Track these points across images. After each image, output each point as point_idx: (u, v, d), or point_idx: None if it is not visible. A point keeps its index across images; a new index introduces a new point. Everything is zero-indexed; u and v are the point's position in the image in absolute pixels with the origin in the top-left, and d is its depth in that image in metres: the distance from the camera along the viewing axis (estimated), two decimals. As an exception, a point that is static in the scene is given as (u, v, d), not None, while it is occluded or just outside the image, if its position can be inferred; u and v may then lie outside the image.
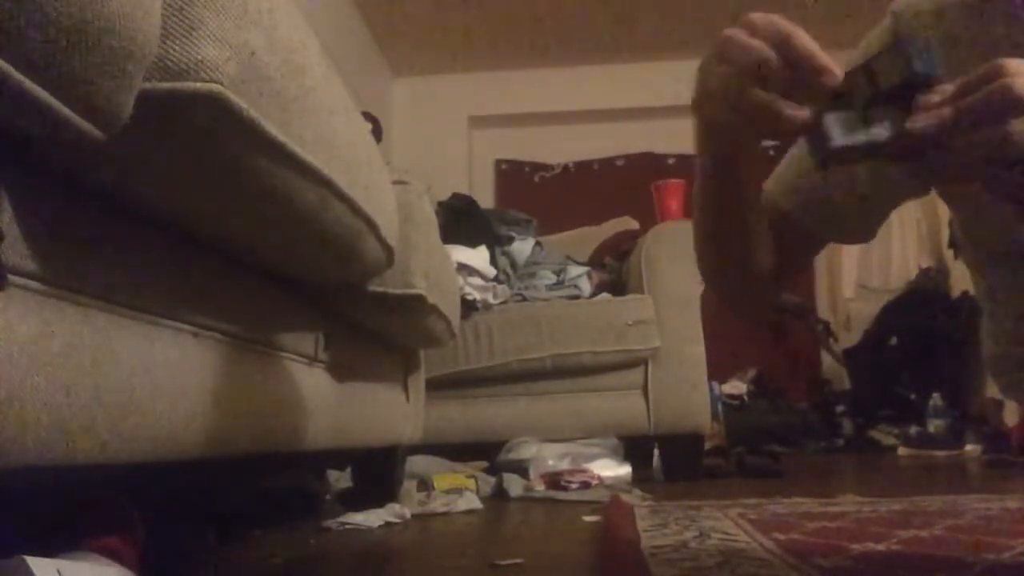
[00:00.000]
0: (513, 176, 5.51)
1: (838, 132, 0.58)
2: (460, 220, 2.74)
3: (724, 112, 0.62)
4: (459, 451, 2.38)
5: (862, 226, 0.91)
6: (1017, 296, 0.89)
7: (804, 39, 0.60)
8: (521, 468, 2.26)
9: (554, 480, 2.17)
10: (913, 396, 4.18)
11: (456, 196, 2.97)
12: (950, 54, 0.81)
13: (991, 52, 0.80)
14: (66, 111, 0.47)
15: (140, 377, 0.68)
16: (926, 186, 0.87)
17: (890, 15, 0.88)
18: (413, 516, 1.68)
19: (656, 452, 2.67)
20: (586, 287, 2.77)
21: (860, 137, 0.58)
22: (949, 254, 4.39)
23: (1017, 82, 0.55)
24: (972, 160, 0.57)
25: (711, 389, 2.86)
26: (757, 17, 0.61)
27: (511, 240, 2.83)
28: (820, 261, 5.30)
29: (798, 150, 0.90)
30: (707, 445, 2.80)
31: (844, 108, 0.58)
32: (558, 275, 2.78)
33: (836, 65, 0.59)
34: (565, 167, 5.45)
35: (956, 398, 3.87)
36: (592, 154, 5.37)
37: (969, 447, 3.62)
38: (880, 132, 0.58)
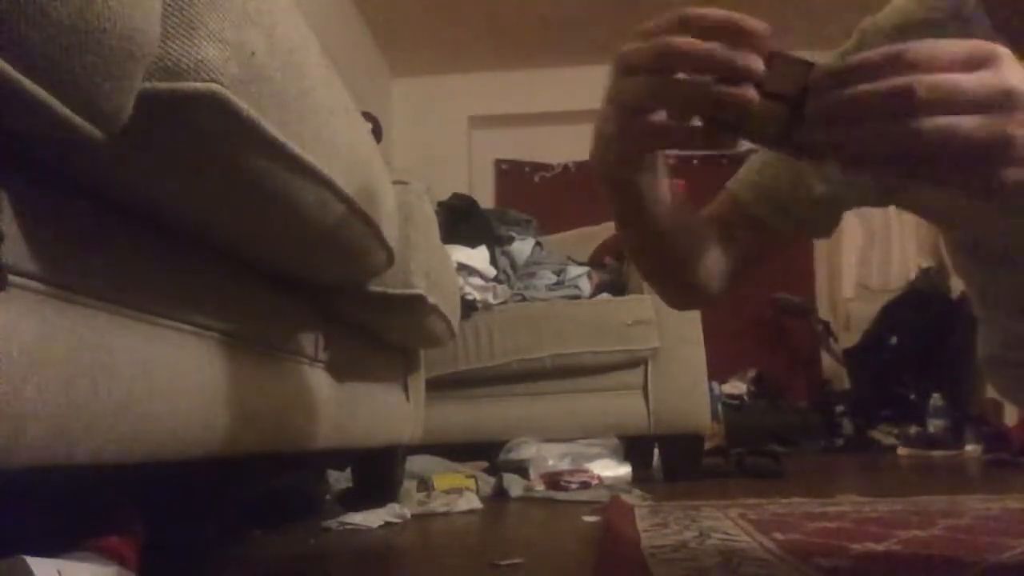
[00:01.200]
0: (513, 176, 5.51)
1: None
2: (460, 220, 2.75)
3: (640, 91, 0.58)
4: (459, 451, 2.38)
5: (819, 224, 0.91)
6: (1007, 298, 0.89)
7: (716, 12, 0.55)
8: (521, 468, 2.26)
9: (554, 480, 2.16)
10: (913, 396, 4.18)
11: (456, 196, 2.98)
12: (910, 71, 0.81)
13: None
14: (66, 111, 0.47)
15: (140, 377, 0.68)
16: (881, 198, 0.87)
17: (857, 32, 0.88)
18: (413, 516, 1.68)
19: (656, 452, 2.67)
20: (586, 287, 2.77)
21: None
22: (949, 254, 4.39)
23: (921, 84, 0.50)
24: (879, 157, 0.53)
25: (711, 389, 2.86)
26: (653, 23, 0.58)
27: (511, 240, 2.83)
28: (820, 261, 5.31)
29: (761, 155, 0.91)
30: (707, 445, 2.80)
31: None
32: (558, 275, 2.78)
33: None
34: (565, 167, 5.45)
35: (956, 398, 3.87)
36: (592, 154, 5.37)
37: (969, 447, 3.63)
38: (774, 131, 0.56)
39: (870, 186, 0.85)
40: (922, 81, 0.50)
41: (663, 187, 0.76)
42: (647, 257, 0.87)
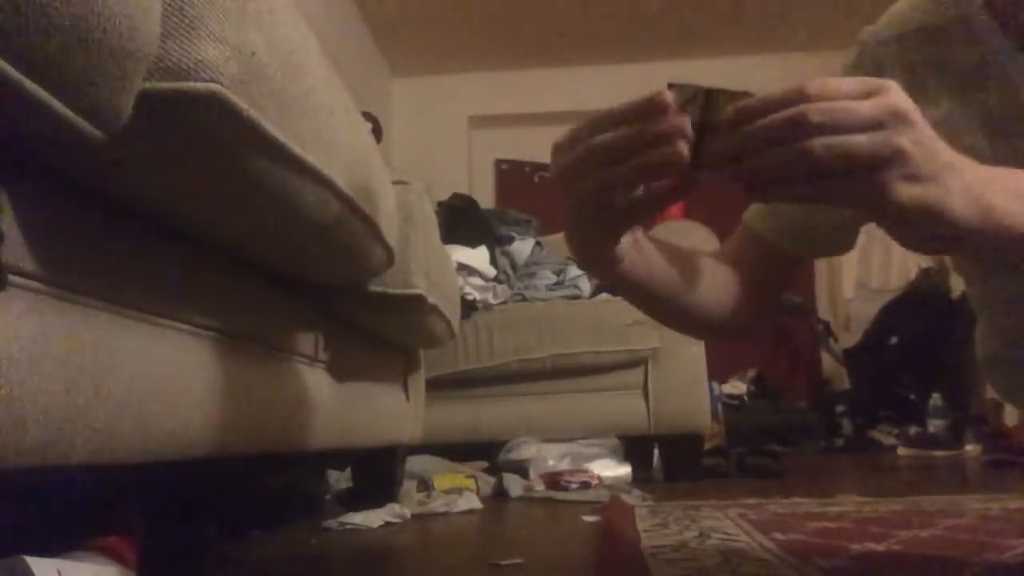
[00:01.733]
0: (513, 176, 5.51)
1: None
2: (460, 220, 2.75)
3: (586, 192, 0.61)
4: (459, 451, 2.38)
5: (839, 243, 0.93)
6: (1007, 299, 0.89)
7: (617, 108, 0.59)
8: (521, 468, 2.26)
9: (554, 480, 2.17)
10: (913, 396, 4.18)
11: (456, 196, 2.98)
12: (910, 78, 0.81)
13: (950, 75, 0.81)
14: (66, 111, 0.47)
15: (140, 377, 0.68)
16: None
17: (856, 46, 0.88)
18: (413, 516, 1.68)
19: (656, 452, 2.67)
20: (586, 287, 2.77)
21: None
22: (949, 254, 4.39)
23: (812, 109, 0.53)
24: (778, 182, 0.56)
25: (711, 389, 2.86)
26: (567, 136, 0.61)
27: (511, 240, 2.83)
28: (820, 262, 5.30)
29: None
30: (707, 445, 2.80)
31: None
32: (558, 275, 2.78)
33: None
34: (565, 167, 5.45)
35: (956, 398, 3.87)
36: (592, 154, 5.37)
37: (969, 447, 3.62)
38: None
39: None
40: (813, 107, 0.54)
41: (651, 253, 0.78)
42: (669, 318, 0.89)
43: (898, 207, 0.55)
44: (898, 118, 0.54)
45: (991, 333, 0.93)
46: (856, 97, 0.54)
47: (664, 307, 0.83)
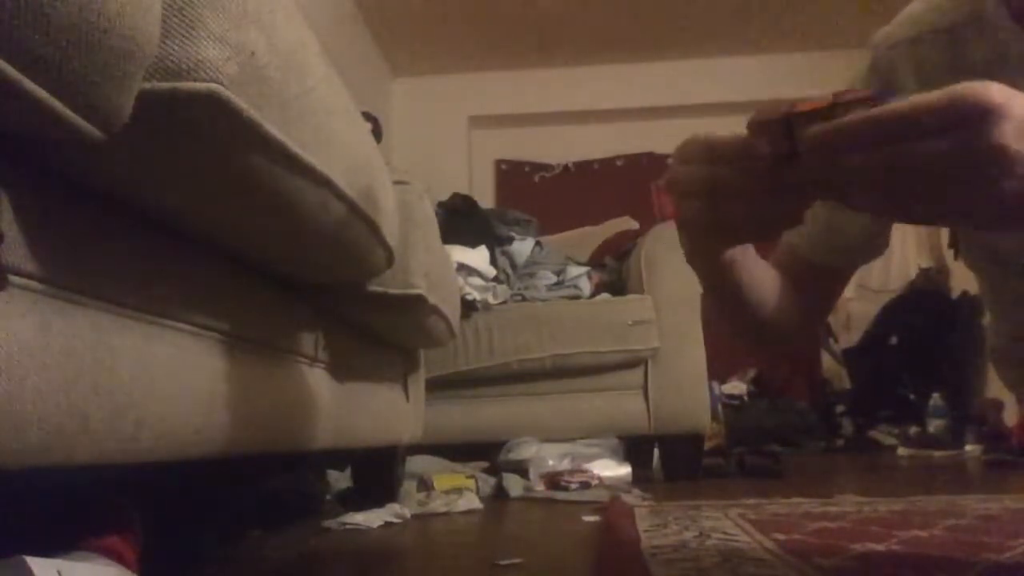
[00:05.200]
0: (513, 176, 5.51)
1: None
2: (460, 220, 2.75)
3: (705, 211, 0.63)
4: (459, 451, 2.38)
5: (872, 248, 0.95)
6: (1017, 296, 0.89)
7: (720, 137, 0.61)
8: (521, 468, 2.26)
9: (554, 480, 2.17)
10: (913, 396, 4.18)
11: (456, 196, 2.97)
12: (924, 80, 0.81)
13: (965, 74, 0.81)
14: (66, 111, 0.47)
15: (140, 377, 0.68)
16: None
17: (870, 51, 0.88)
18: (413, 516, 1.68)
19: (656, 452, 2.67)
20: (586, 287, 2.77)
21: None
22: (949, 254, 4.36)
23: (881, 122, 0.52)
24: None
25: (711, 389, 2.86)
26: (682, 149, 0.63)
27: (511, 240, 2.83)
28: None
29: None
30: (707, 445, 2.80)
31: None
32: (558, 275, 2.78)
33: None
34: (565, 167, 5.45)
35: (956, 398, 3.87)
36: (592, 154, 5.37)
37: (969, 447, 3.62)
38: None
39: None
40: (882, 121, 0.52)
41: (750, 256, 0.80)
42: (736, 319, 0.89)
43: (1003, 204, 0.52)
44: (982, 115, 0.51)
45: (1002, 326, 0.94)
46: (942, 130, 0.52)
47: (746, 309, 0.84)
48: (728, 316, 0.88)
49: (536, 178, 5.49)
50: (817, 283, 0.93)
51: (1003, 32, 0.79)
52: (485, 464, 2.37)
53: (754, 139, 0.58)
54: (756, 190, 0.59)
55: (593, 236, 3.30)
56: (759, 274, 0.84)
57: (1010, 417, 3.64)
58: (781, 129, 0.57)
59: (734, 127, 0.62)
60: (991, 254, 0.89)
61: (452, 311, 1.60)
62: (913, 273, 4.69)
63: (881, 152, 0.52)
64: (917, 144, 0.51)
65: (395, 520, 1.61)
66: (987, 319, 0.97)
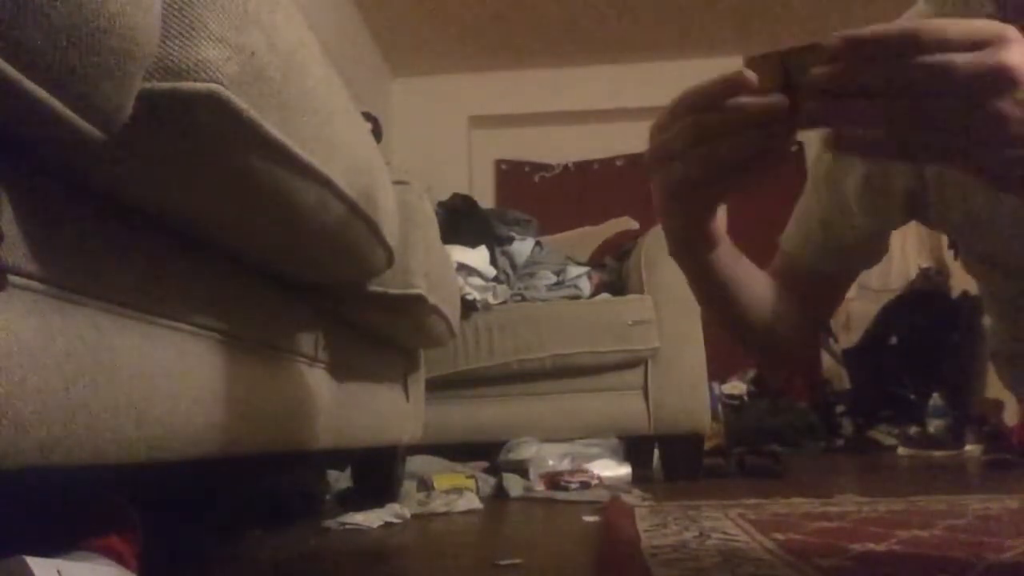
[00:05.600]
0: (513, 176, 5.51)
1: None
2: (460, 220, 2.74)
3: (688, 167, 0.62)
4: (459, 451, 2.38)
5: (870, 254, 0.96)
6: (1016, 296, 0.90)
7: (704, 84, 0.60)
8: (521, 468, 2.26)
9: (554, 480, 2.16)
10: (913, 396, 4.17)
11: (456, 196, 2.97)
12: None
13: None
14: (66, 111, 0.47)
15: (140, 377, 0.68)
16: (910, 215, 0.90)
17: None
18: (413, 516, 1.68)
19: (656, 452, 2.67)
20: (586, 287, 2.76)
21: None
22: (949, 254, 4.39)
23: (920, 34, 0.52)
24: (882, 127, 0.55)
25: (711, 389, 2.86)
26: (666, 114, 0.63)
27: (511, 240, 2.82)
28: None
29: (802, 207, 0.96)
30: (707, 445, 2.80)
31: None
32: (558, 275, 2.78)
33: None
34: (565, 167, 5.46)
35: (956, 398, 3.87)
36: (592, 154, 5.37)
37: (969, 447, 3.62)
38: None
39: (900, 206, 0.88)
40: (921, 32, 0.52)
41: (736, 253, 0.80)
42: (728, 321, 0.89)
43: (1014, 138, 0.52)
44: (1003, 38, 0.52)
45: (1002, 327, 0.94)
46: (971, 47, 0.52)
47: (738, 311, 0.85)
48: (720, 319, 0.88)
49: (536, 178, 5.49)
50: (816, 291, 0.93)
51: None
52: (485, 464, 2.37)
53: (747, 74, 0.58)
54: (746, 125, 0.58)
55: (593, 236, 3.30)
56: (744, 274, 0.83)
57: (1010, 417, 3.64)
58: (778, 64, 0.58)
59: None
60: (989, 258, 0.89)
61: (452, 311, 1.60)
62: (913, 273, 4.69)
63: (900, 68, 0.52)
64: (937, 60, 0.51)
65: (395, 520, 1.61)
66: (987, 320, 0.97)
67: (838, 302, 0.99)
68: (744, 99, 0.58)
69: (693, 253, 0.75)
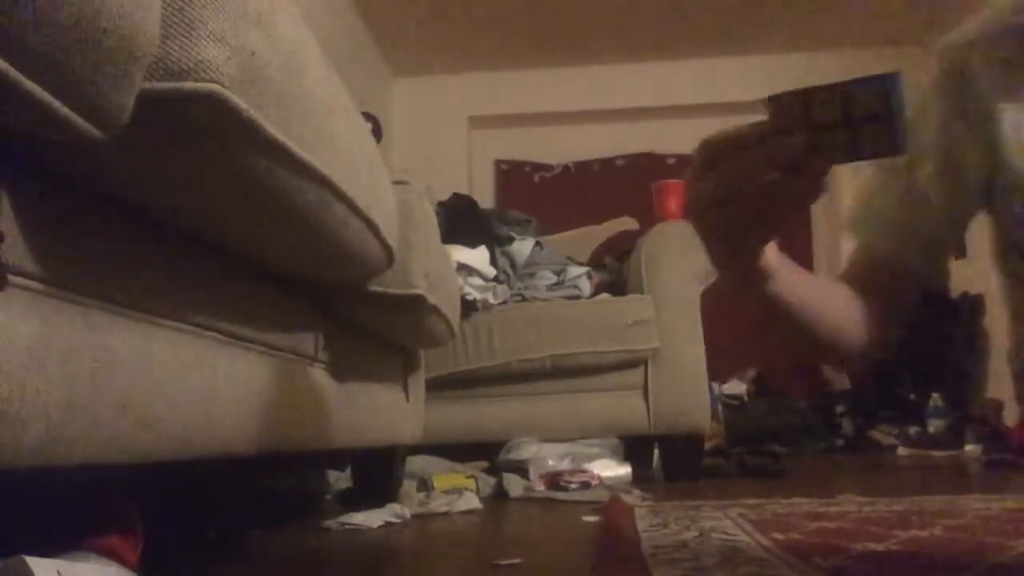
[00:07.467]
0: (513, 176, 5.51)
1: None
2: (460, 220, 2.74)
3: (724, 214, 0.64)
4: (459, 451, 2.38)
5: (951, 247, 0.95)
6: None
7: (738, 128, 0.62)
8: (521, 468, 2.26)
9: (554, 480, 2.16)
10: (913, 396, 4.17)
11: (456, 196, 2.97)
12: (1005, 80, 0.82)
13: None
14: (66, 111, 0.47)
15: (140, 377, 0.68)
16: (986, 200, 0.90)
17: (935, 55, 0.88)
18: (413, 516, 1.68)
19: (656, 452, 2.67)
20: (586, 287, 2.76)
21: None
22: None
23: None
24: None
25: (711, 389, 2.86)
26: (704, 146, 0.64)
27: (511, 240, 2.82)
28: (820, 261, 5.30)
29: (872, 182, 0.95)
30: (707, 445, 2.80)
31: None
32: (558, 275, 2.78)
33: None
34: (565, 167, 5.45)
35: (956, 398, 3.87)
36: (592, 154, 5.37)
37: (969, 447, 3.62)
38: None
39: (976, 191, 0.88)
40: None
41: (797, 275, 0.80)
42: (803, 344, 0.90)
43: None
44: None
45: (1019, 340, 0.93)
46: None
47: (810, 328, 0.85)
48: (804, 341, 0.89)
49: (536, 178, 5.49)
50: (895, 288, 0.92)
51: None
52: (485, 464, 2.37)
53: (773, 117, 0.60)
54: (781, 165, 0.60)
55: (593, 236, 3.29)
56: (816, 292, 0.84)
57: (1010, 417, 3.64)
58: (800, 103, 0.59)
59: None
60: None
61: (452, 311, 1.60)
62: (913, 273, 4.68)
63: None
64: None
65: (395, 520, 1.61)
66: (1007, 326, 0.96)
67: (916, 303, 0.97)
68: (764, 148, 0.60)
69: (752, 288, 0.76)
